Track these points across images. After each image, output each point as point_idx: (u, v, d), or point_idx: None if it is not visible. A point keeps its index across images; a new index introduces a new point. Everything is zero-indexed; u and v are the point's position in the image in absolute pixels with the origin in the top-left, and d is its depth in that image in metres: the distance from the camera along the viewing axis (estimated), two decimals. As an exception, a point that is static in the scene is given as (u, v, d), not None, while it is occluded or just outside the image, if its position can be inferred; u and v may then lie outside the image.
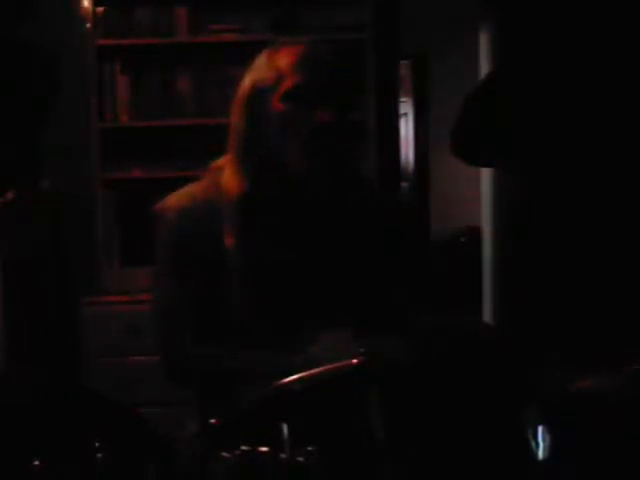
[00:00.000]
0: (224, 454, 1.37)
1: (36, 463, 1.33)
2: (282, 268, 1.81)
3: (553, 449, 1.38)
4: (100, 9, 3.79)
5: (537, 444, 1.38)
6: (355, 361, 1.37)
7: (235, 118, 1.82)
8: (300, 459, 1.33)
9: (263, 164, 1.79)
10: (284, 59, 1.76)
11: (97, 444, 1.36)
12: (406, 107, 5.64)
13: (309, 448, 1.34)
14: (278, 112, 1.76)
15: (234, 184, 1.81)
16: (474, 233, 4.66)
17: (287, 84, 1.75)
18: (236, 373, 1.75)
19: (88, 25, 3.75)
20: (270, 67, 1.77)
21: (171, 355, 1.82)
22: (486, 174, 3.83)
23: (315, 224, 1.83)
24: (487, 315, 3.79)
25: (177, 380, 1.88)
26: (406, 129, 5.67)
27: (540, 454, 1.38)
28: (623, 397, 1.54)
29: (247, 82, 1.80)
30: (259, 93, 1.78)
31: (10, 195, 3.53)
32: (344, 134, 1.80)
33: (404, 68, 5.20)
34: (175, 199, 1.85)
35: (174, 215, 1.82)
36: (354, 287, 1.84)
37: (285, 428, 1.34)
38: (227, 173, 1.83)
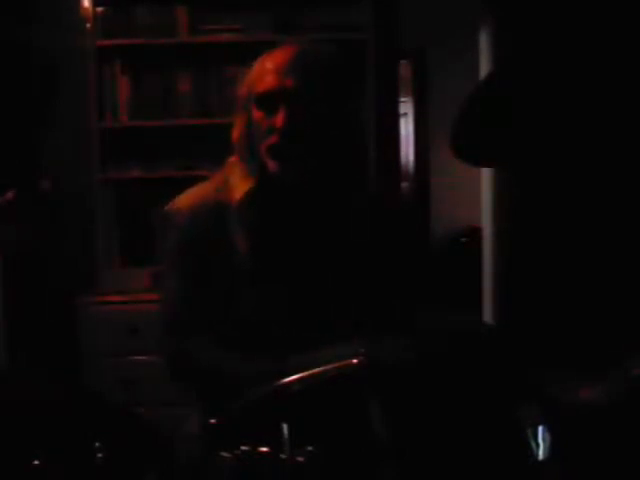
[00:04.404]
0: (224, 454, 1.37)
1: (36, 463, 1.33)
2: (286, 269, 1.81)
3: (553, 449, 1.38)
4: (100, 9, 3.79)
5: (537, 444, 1.38)
6: (355, 361, 1.37)
7: (234, 120, 1.84)
8: (300, 459, 1.33)
9: (258, 167, 1.80)
10: (268, 63, 1.78)
11: (97, 444, 1.36)
12: (406, 107, 5.63)
13: (309, 448, 1.34)
14: (254, 117, 1.78)
15: (239, 186, 1.82)
16: (474, 233, 4.66)
17: (257, 90, 1.77)
18: (236, 375, 1.74)
19: (88, 25, 3.75)
20: (255, 71, 1.80)
21: (176, 353, 1.82)
22: (486, 174, 3.83)
23: (316, 225, 1.83)
24: (487, 315, 3.79)
25: (181, 379, 1.87)
26: (406, 129, 5.66)
27: (540, 454, 1.38)
28: (621, 404, 1.54)
29: (241, 86, 1.83)
30: (244, 97, 1.81)
31: (10, 195, 3.53)
32: (330, 132, 1.80)
33: (404, 68, 5.20)
34: (186, 200, 1.85)
35: (185, 216, 1.82)
36: (355, 287, 1.84)
37: (285, 428, 1.35)
38: (234, 174, 1.84)
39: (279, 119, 1.74)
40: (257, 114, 1.78)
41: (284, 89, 1.74)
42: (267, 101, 1.76)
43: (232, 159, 1.87)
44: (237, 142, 1.83)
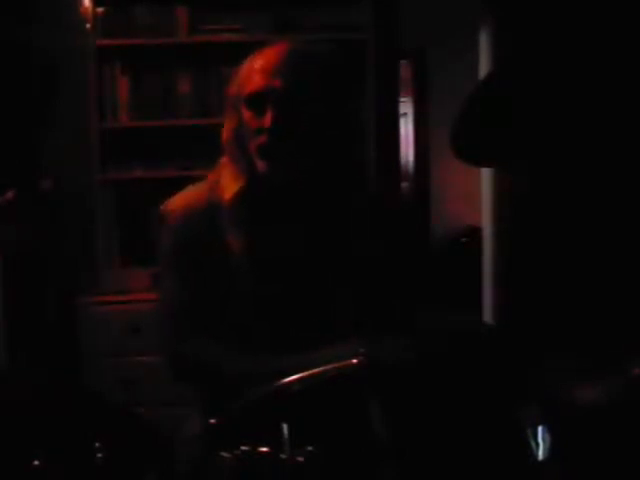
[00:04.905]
0: (224, 454, 1.37)
1: (36, 463, 1.33)
2: (282, 269, 1.81)
3: (553, 449, 1.38)
4: (100, 9, 3.78)
5: (537, 444, 1.38)
6: (355, 361, 1.37)
7: (224, 120, 1.85)
8: (300, 459, 1.33)
9: (248, 167, 1.80)
10: (257, 63, 1.78)
11: (97, 444, 1.36)
12: (406, 107, 5.63)
13: (309, 448, 1.34)
14: (244, 117, 1.78)
15: (229, 186, 1.82)
16: (474, 233, 4.66)
17: (246, 90, 1.77)
18: (235, 375, 1.74)
19: (88, 25, 3.75)
20: (244, 71, 1.80)
21: (175, 355, 1.82)
22: (486, 174, 3.83)
23: (314, 225, 1.83)
24: (487, 315, 3.79)
25: (182, 379, 1.87)
26: (406, 129, 5.66)
27: (540, 454, 1.38)
28: (621, 404, 1.54)
29: (232, 85, 1.83)
30: (234, 97, 1.81)
31: (10, 195, 3.53)
32: (327, 132, 1.80)
33: (404, 68, 5.19)
34: (180, 200, 1.85)
35: (179, 217, 1.82)
36: (355, 287, 1.84)
37: (285, 428, 1.34)
38: (225, 174, 1.84)
39: (267, 119, 1.74)
40: (247, 114, 1.78)
41: (272, 89, 1.74)
42: (256, 101, 1.76)
43: (223, 160, 1.87)
44: (227, 142, 1.83)
